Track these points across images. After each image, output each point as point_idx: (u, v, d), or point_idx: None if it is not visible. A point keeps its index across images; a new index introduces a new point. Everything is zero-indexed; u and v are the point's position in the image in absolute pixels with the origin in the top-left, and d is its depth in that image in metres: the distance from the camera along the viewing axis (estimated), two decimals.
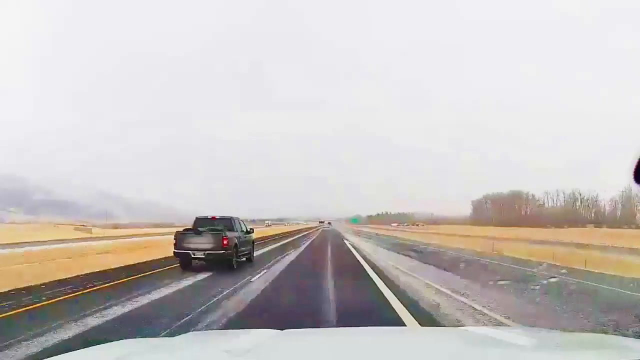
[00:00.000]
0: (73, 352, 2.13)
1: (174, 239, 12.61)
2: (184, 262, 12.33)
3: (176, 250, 12.45)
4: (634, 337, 4.93)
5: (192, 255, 12.15)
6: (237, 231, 13.57)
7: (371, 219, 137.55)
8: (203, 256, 12.07)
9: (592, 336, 2.84)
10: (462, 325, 5.91)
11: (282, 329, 2.13)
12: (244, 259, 14.04)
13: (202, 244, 12.20)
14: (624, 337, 2.90)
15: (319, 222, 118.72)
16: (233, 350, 1.63)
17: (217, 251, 12.09)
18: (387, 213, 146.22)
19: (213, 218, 14.02)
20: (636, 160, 1.71)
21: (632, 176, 1.73)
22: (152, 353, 1.90)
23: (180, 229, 13.69)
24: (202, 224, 13.58)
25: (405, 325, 5.87)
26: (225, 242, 12.18)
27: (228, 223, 13.61)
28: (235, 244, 12.81)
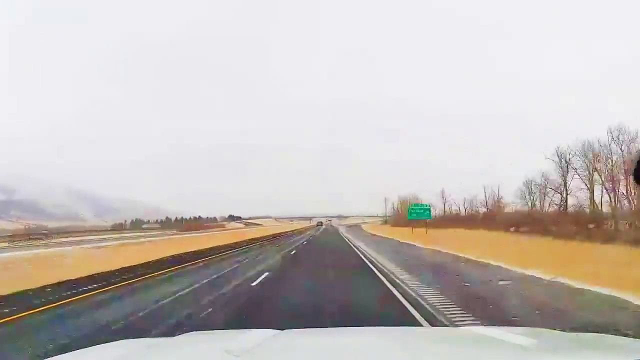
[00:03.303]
0: (73, 352, 2.13)
1: (316, 223, 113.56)
2: (318, 226, 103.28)
3: (316, 225, 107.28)
4: (634, 337, 4.93)
5: (319, 224, 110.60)
6: (322, 221, 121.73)
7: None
8: (320, 226, 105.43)
9: (592, 336, 2.84)
10: None
11: (282, 329, 2.13)
12: (321, 226, 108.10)
13: (319, 223, 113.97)
14: (623, 337, 2.90)
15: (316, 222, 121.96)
16: (233, 350, 1.63)
17: (321, 224, 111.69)
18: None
19: (319, 221, 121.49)
20: (636, 161, 1.71)
21: (632, 176, 1.73)
22: (152, 353, 1.90)
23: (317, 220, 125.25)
24: (318, 221, 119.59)
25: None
26: (321, 224, 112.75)
27: (320, 221, 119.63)
28: (322, 224, 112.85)
